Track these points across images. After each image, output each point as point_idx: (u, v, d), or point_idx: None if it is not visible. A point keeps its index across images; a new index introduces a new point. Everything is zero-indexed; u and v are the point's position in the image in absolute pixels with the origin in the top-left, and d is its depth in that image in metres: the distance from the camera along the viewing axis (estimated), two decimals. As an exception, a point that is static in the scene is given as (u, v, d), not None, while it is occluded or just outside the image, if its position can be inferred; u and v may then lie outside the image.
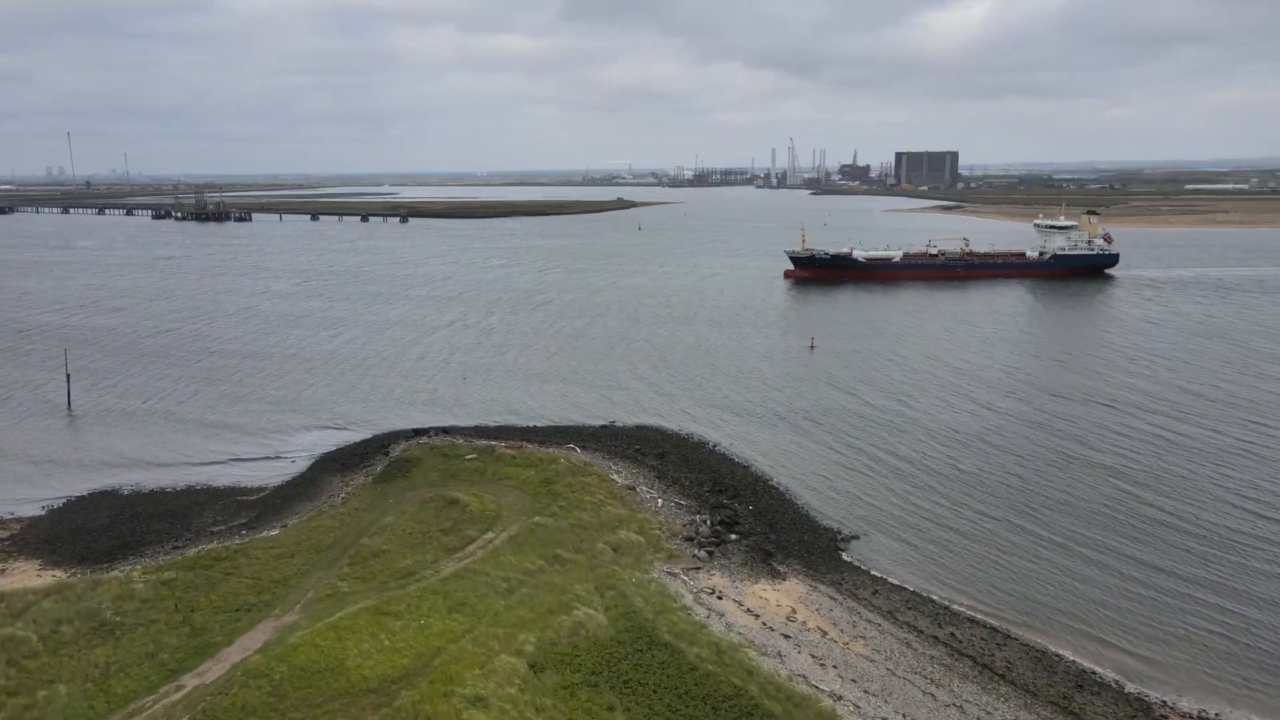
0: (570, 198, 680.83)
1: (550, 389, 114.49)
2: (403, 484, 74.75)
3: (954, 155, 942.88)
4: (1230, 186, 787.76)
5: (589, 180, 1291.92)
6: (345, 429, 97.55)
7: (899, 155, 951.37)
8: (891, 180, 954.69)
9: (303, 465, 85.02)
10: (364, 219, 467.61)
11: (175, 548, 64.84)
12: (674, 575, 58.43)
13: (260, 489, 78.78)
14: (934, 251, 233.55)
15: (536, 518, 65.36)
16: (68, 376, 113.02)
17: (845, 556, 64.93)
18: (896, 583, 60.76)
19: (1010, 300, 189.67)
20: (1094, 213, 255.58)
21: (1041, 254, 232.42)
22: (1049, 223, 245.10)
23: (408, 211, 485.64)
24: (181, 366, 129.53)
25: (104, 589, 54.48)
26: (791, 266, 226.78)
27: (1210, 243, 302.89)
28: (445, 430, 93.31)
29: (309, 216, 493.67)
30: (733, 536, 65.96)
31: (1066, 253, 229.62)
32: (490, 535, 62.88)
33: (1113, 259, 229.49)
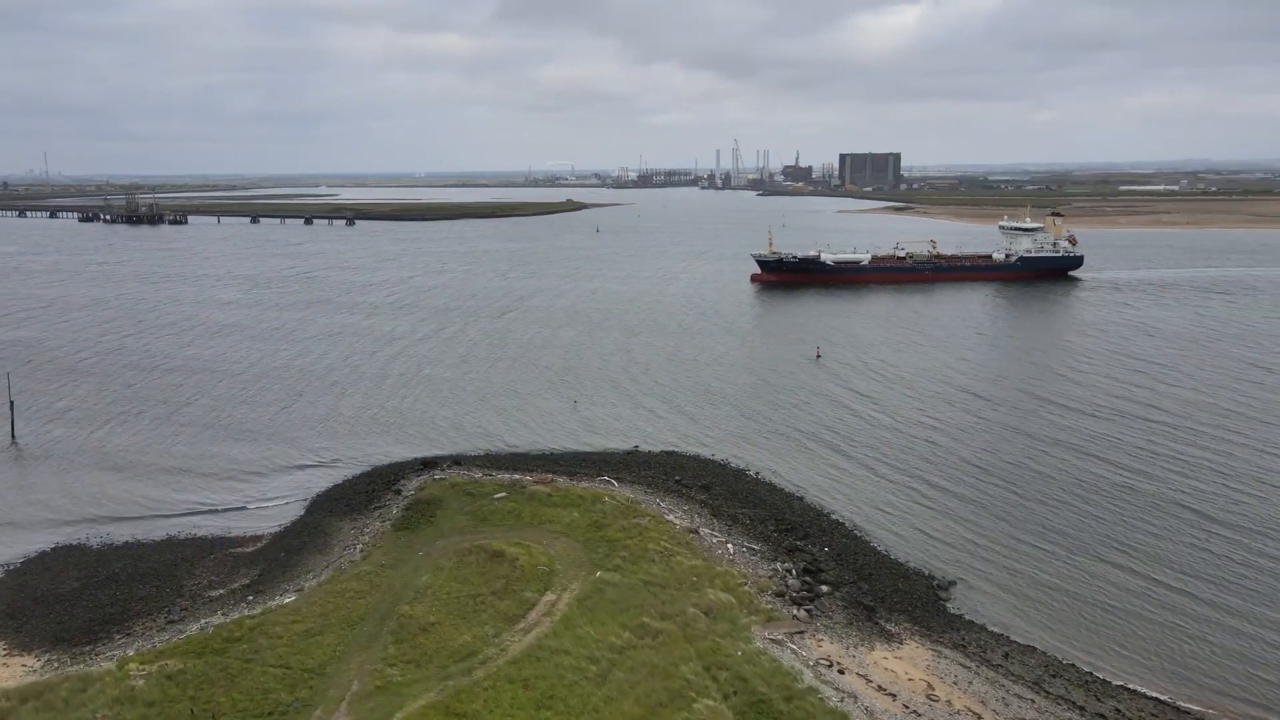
0: (518, 199, 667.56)
1: (547, 407, 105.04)
2: (429, 531, 64.89)
3: (896, 157, 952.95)
4: (1161, 188, 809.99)
5: (531, 181, 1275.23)
6: (336, 462, 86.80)
7: (843, 156, 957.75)
8: (836, 181, 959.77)
9: (297, 508, 74.41)
10: (308, 221, 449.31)
11: (171, 621, 54.14)
12: (779, 644, 49.96)
13: (256, 538, 68.13)
14: (902, 254, 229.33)
15: (600, 573, 56.30)
16: (11, 405, 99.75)
17: (951, 608, 57.22)
18: (1022, 641, 53.20)
19: (985, 305, 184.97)
20: (1058, 214, 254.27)
21: (1008, 256, 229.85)
22: (1014, 224, 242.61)
23: (354, 214, 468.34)
24: (133, 387, 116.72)
25: (96, 689, 43.85)
26: (758, 270, 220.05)
27: (1162, 243, 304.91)
28: (456, 460, 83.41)
29: (249, 219, 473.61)
30: (824, 588, 57.77)
31: (1033, 255, 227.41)
32: (550, 597, 53.67)
33: (1077, 261, 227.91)
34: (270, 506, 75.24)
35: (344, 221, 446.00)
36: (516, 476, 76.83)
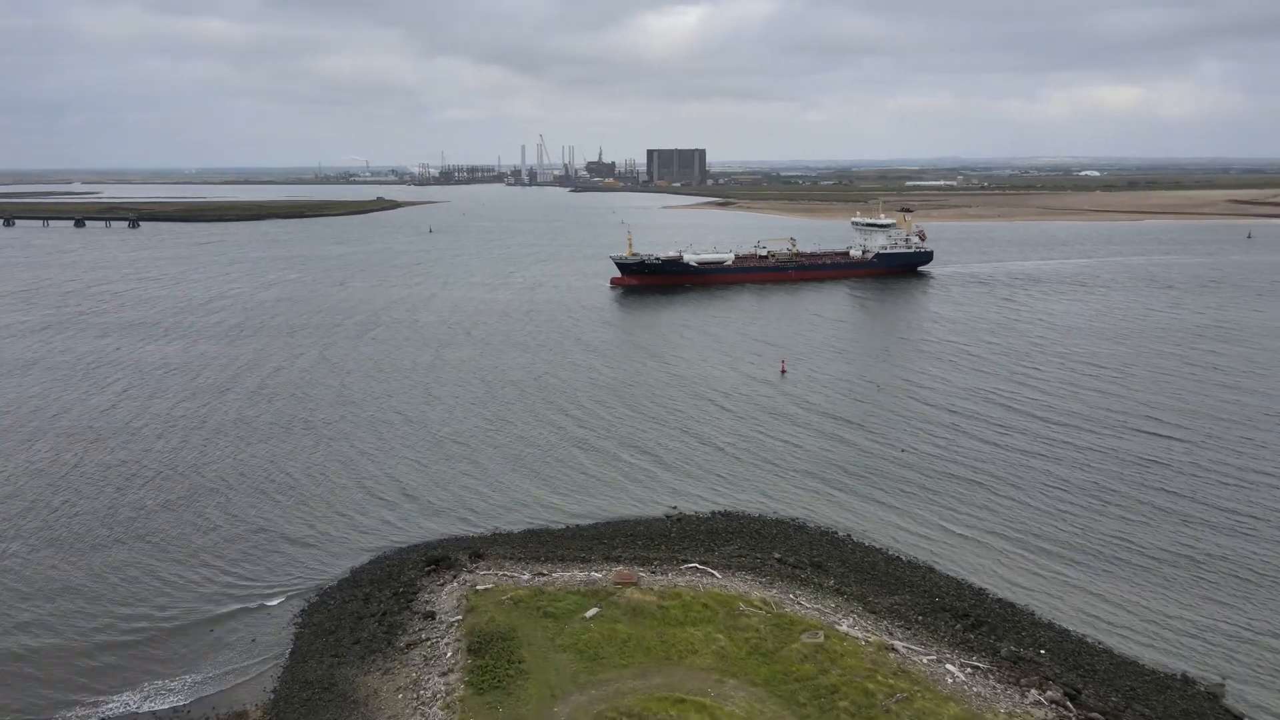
0: (326, 197, 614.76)
1: (517, 455, 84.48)
2: (530, 688, 44.03)
3: (701, 153, 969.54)
4: (941, 183, 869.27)
5: (322, 178, 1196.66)
6: (285, 569, 62.67)
7: (650, 152, 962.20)
8: (644, 177, 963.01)
9: (274, 661, 50.48)
10: (79, 224, 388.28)
11: None
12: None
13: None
14: (764, 253, 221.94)
15: (842, 747, 38.40)
16: None
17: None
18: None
19: (861, 303, 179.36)
20: (908, 210, 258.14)
21: (865, 253, 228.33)
22: (869, 221, 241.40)
23: (136, 215, 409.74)
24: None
25: None
26: (619, 274, 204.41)
27: (983, 236, 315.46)
28: (473, 552, 61.62)
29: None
30: (1103, 723, 42.77)
31: (889, 251, 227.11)
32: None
33: (928, 256, 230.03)
34: (223, 670, 50.48)
35: (126, 224, 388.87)
36: (580, 574, 56.77)
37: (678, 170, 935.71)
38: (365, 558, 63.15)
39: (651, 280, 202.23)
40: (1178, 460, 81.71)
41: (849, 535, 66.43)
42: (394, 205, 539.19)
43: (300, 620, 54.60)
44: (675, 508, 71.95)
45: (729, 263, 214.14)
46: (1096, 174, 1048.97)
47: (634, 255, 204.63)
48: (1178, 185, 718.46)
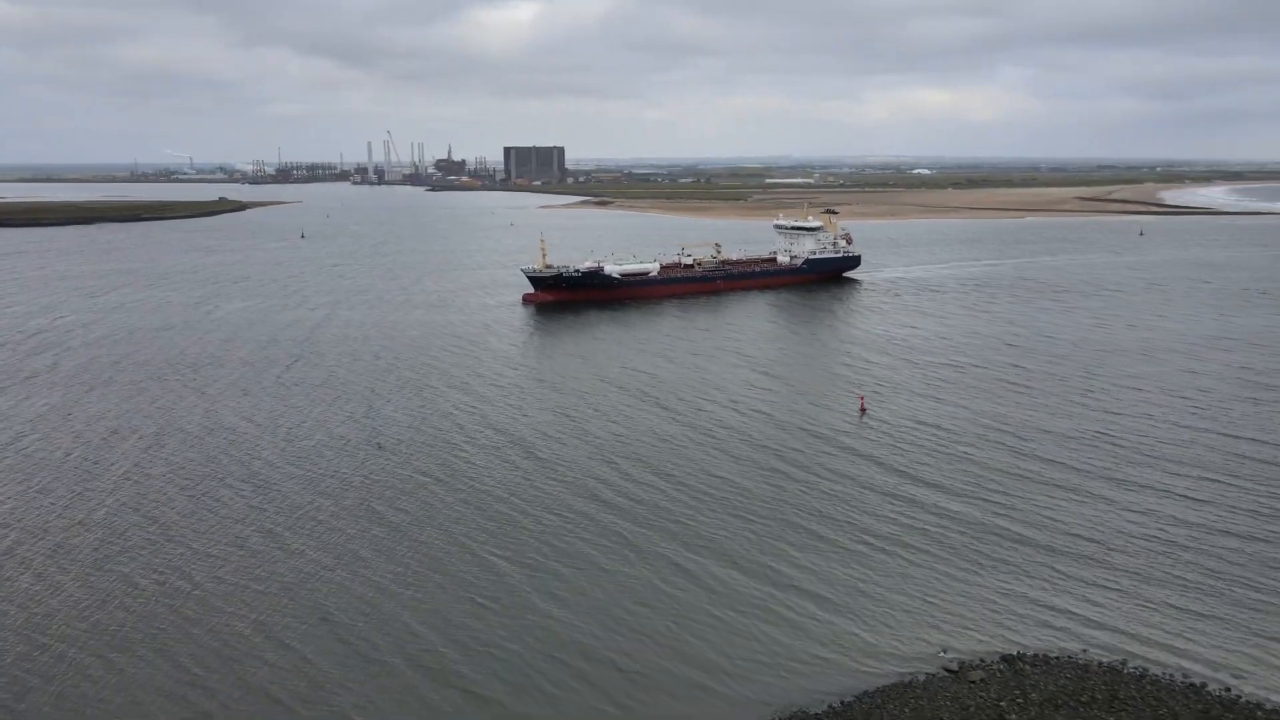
0: (155, 197, 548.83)
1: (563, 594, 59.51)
2: None
3: (560, 150, 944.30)
4: (800, 180, 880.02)
5: (140, 176, 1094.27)
6: None
7: (508, 150, 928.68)
8: (502, 175, 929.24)
9: None
10: None
11: None
12: None
13: None
14: (689, 261, 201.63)
15: None
16: None
17: None
18: None
19: (807, 312, 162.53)
20: (833, 211, 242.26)
21: (793, 259, 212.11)
22: (794, 223, 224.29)
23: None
24: None
25: None
26: (531, 289, 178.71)
27: (882, 236, 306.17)
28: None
29: None
30: None
31: (818, 256, 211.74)
32: None
33: (856, 261, 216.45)
34: None
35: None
36: None
37: (536, 168, 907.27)
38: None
39: (570, 296, 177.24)
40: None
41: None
42: (241, 206, 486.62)
43: None
44: (800, 708, 48.85)
45: (654, 274, 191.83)
46: (927, 172, 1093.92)
47: (548, 267, 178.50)
48: (1008, 183, 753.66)
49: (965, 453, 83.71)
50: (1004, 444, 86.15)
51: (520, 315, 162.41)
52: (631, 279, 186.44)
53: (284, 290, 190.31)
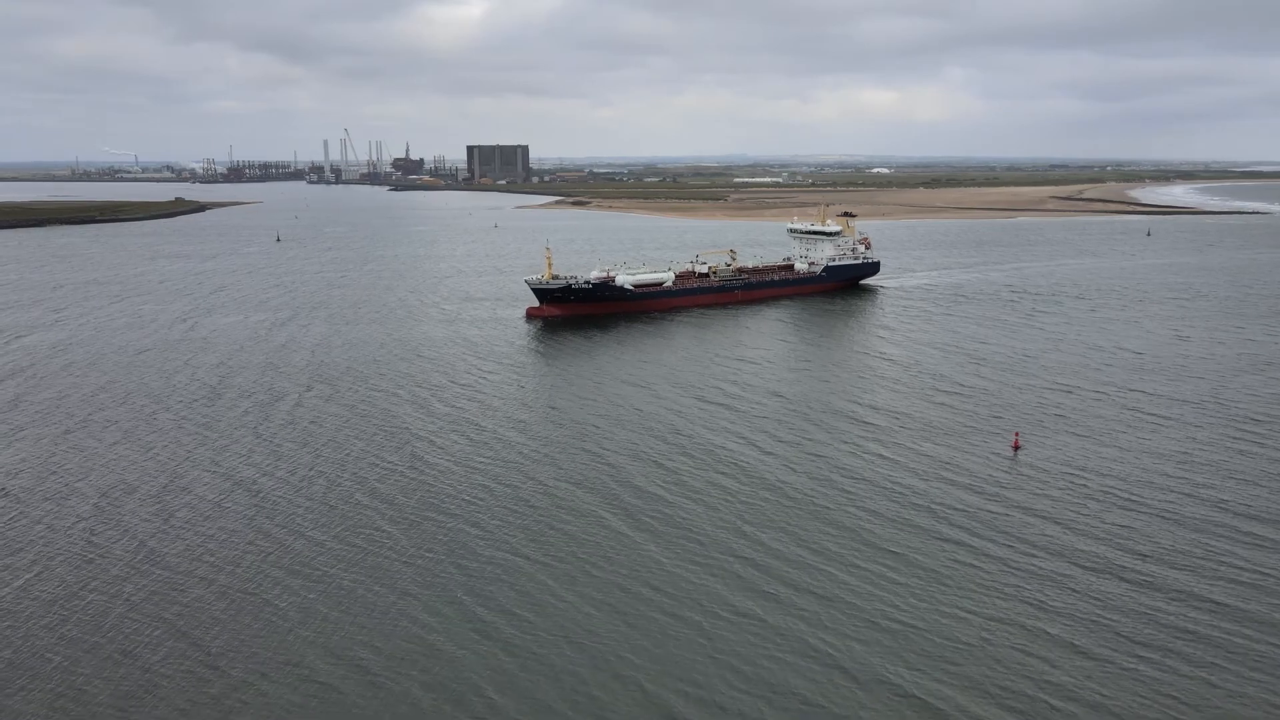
0: (111, 197, 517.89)
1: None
2: None
3: (525, 149, 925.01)
4: (768, 180, 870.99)
5: (81, 175, 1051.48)
6: None
7: (471, 149, 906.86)
8: (465, 174, 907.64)
9: None
10: None
11: None
12: None
13: None
14: (704, 270, 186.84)
15: None
16: None
17: None
18: None
19: (847, 324, 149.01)
20: (851, 214, 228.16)
21: (812, 265, 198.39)
22: (809, 227, 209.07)
23: None
24: None
25: None
26: (536, 303, 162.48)
27: (881, 240, 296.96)
28: None
29: None
30: None
31: (838, 263, 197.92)
32: None
33: (876, 267, 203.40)
34: None
35: None
36: None
37: (500, 167, 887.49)
38: None
39: (580, 309, 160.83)
40: None
41: None
42: (201, 207, 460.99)
43: None
44: None
45: (669, 284, 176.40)
46: (886, 171, 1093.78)
47: (555, 278, 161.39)
48: (972, 182, 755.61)
49: (1155, 506, 69.71)
50: (1197, 496, 72.33)
51: (544, 335, 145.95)
52: (646, 290, 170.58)
53: (271, 303, 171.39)
